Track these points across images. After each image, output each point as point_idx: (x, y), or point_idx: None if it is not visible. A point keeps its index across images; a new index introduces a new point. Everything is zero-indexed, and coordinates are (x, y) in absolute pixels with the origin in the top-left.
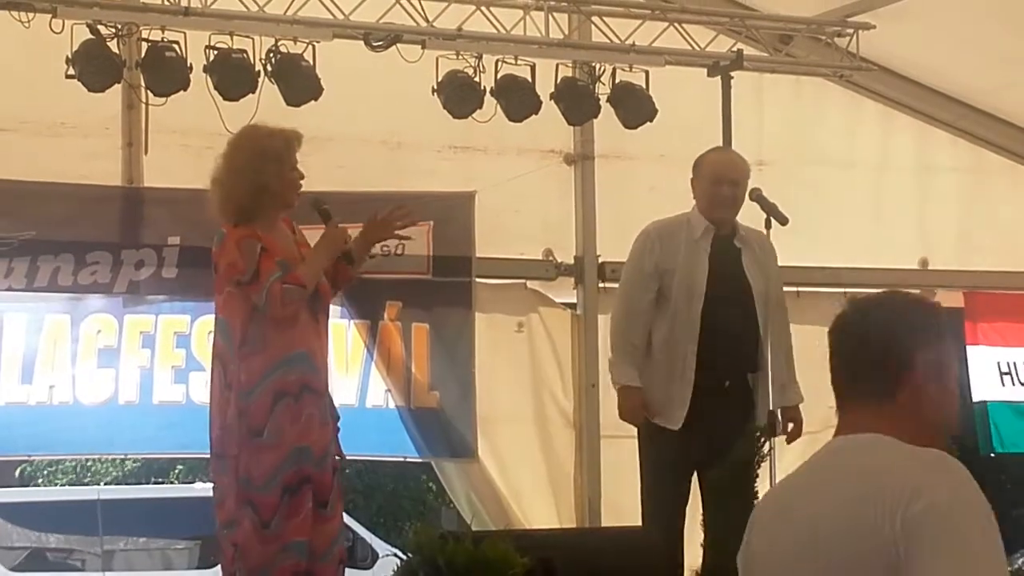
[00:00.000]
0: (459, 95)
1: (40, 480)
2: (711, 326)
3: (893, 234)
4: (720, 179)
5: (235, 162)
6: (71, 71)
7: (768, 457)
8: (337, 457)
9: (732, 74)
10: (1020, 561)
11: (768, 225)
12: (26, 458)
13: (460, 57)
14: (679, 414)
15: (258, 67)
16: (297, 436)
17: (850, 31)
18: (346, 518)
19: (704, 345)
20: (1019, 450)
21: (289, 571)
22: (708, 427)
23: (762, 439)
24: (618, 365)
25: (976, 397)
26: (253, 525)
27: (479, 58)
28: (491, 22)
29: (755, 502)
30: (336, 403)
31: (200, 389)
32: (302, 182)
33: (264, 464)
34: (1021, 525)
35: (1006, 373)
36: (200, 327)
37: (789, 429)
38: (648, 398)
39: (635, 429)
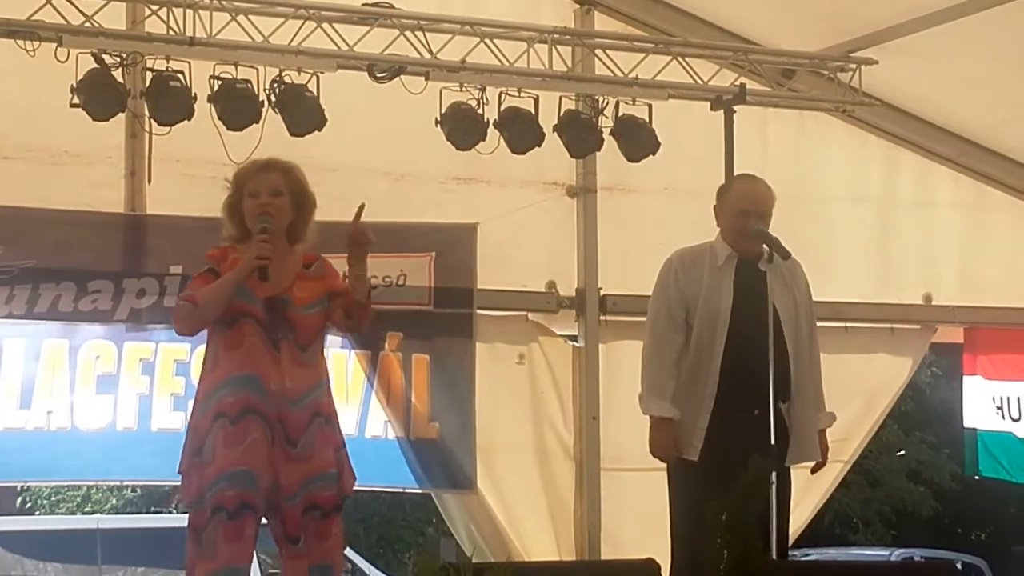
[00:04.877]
0: (462, 127)
1: (41, 510)
2: (736, 354)
3: (896, 269)
4: (747, 212)
5: None
6: (75, 100)
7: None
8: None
9: (735, 108)
10: None
11: (770, 259)
12: (23, 484)
13: (464, 89)
14: (696, 444)
15: (262, 97)
16: (236, 459)
17: (853, 66)
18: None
19: (729, 373)
20: (1000, 476)
21: None
22: (735, 458)
23: (767, 469)
24: (647, 397)
25: (968, 424)
26: (191, 541)
27: (482, 90)
28: (495, 54)
29: (758, 534)
30: None
31: None
32: (261, 208)
33: (200, 482)
34: None
35: (999, 408)
36: (200, 355)
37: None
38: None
39: (638, 462)
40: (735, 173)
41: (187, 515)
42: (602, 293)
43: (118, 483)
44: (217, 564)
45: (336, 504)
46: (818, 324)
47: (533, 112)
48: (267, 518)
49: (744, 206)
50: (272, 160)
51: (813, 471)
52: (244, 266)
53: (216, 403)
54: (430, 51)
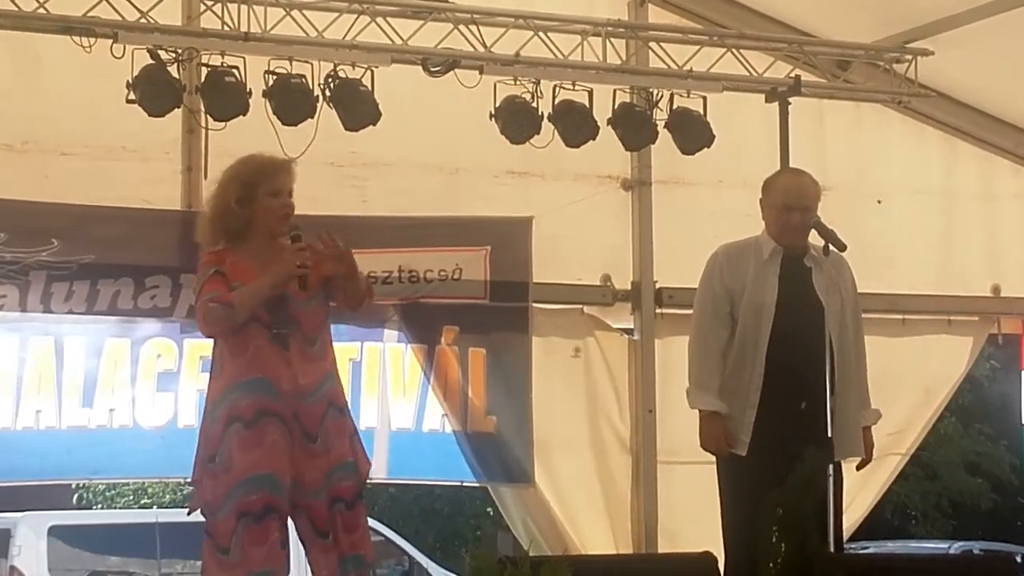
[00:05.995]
0: (517, 121)
1: (100, 505)
2: (781, 348)
3: (958, 261)
4: (790, 206)
5: (216, 188)
6: (132, 96)
7: (831, 482)
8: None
9: (790, 100)
10: None
11: (826, 251)
12: (87, 481)
13: (518, 83)
14: (743, 439)
15: (317, 92)
16: (254, 463)
17: (908, 57)
18: (402, 543)
19: (774, 367)
20: None
21: None
22: (784, 451)
23: (824, 462)
24: (694, 391)
25: None
26: (211, 552)
27: (537, 83)
28: (549, 48)
29: (813, 528)
30: (393, 427)
31: None
32: (287, 210)
33: (217, 490)
34: None
35: None
36: None
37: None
38: None
39: (694, 455)
40: (789, 166)
41: None
42: (657, 286)
43: (181, 479)
44: (247, 569)
45: (358, 493)
46: (876, 316)
47: (587, 105)
48: (292, 518)
49: (788, 201)
50: (287, 159)
51: (858, 468)
52: (283, 272)
53: (227, 408)
54: (484, 44)
